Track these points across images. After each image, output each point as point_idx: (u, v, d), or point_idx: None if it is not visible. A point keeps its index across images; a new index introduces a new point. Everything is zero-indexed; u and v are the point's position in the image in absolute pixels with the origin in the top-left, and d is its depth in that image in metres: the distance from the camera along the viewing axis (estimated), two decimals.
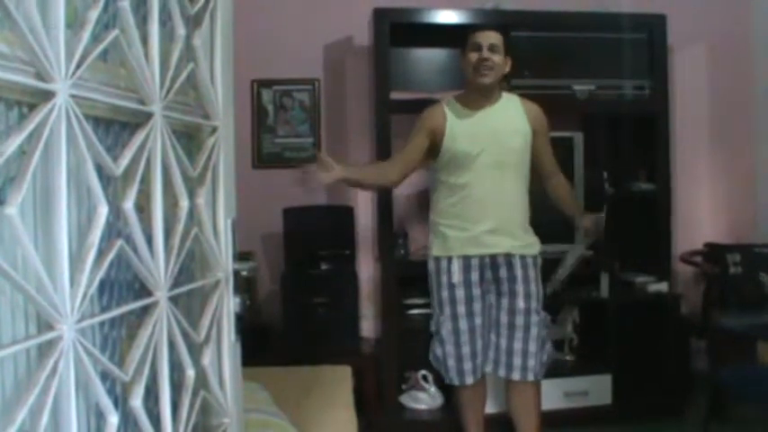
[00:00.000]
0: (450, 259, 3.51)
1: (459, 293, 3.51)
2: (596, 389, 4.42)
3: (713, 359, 4.24)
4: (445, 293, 3.53)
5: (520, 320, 3.50)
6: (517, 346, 3.51)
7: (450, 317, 3.53)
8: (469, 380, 3.57)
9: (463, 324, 3.52)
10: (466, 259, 3.50)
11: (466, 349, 3.53)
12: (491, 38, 3.45)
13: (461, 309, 3.51)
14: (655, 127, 4.63)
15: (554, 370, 4.42)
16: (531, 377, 3.53)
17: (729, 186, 5.23)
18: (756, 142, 5.00)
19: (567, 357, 4.64)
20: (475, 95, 3.54)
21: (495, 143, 3.46)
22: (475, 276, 3.51)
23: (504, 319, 3.53)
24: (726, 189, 5.25)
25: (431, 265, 3.61)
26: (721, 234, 5.11)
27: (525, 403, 3.61)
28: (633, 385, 4.46)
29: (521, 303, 3.51)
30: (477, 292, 3.53)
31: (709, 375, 3.98)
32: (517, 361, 3.51)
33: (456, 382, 3.60)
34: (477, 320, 3.53)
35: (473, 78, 3.48)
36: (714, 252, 4.80)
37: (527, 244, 3.56)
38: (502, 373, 3.57)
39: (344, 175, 3.36)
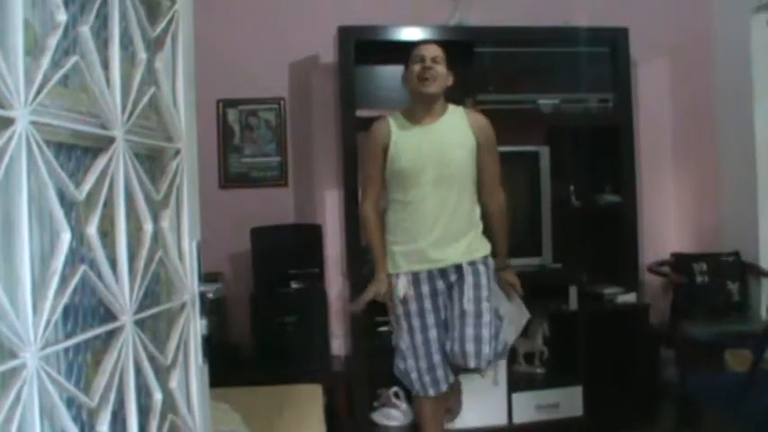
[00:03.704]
0: (398, 276, 3.51)
1: (412, 307, 3.49)
2: (567, 401, 4.43)
3: (682, 368, 4.27)
4: (399, 309, 3.51)
5: (470, 307, 3.43)
6: (469, 331, 3.42)
7: (406, 330, 3.51)
8: (431, 392, 3.52)
9: (418, 337, 3.49)
10: (414, 274, 3.49)
11: (423, 363, 3.50)
12: (433, 50, 3.47)
13: (415, 322, 3.49)
14: (619, 139, 4.68)
15: (525, 383, 4.46)
16: (483, 365, 3.44)
17: (694, 196, 5.29)
18: (719, 152, 5.06)
19: (538, 370, 4.65)
20: (420, 108, 3.51)
21: (437, 159, 3.44)
22: (425, 289, 3.49)
23: (456, 312, 3.46)
24: (690, 199, 5.31)
25: None
26: (687, 244, 5.16)
27: (456, 387, 3.79)
28: (604, 396, 4.48)
29: (470, 294, 3.45)
30: (428, 305, 3.49)
31: (679, 384, 4.01)
32: (470, 347, 3.40)
33: (420, 393, 3.56)
34: (432, 333, 3.49)
35: (418, 87, 3.45)
36: (681, 262, 4.85)
37: (473, 250, 3.53)
38: (460, 361, 3.44)
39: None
